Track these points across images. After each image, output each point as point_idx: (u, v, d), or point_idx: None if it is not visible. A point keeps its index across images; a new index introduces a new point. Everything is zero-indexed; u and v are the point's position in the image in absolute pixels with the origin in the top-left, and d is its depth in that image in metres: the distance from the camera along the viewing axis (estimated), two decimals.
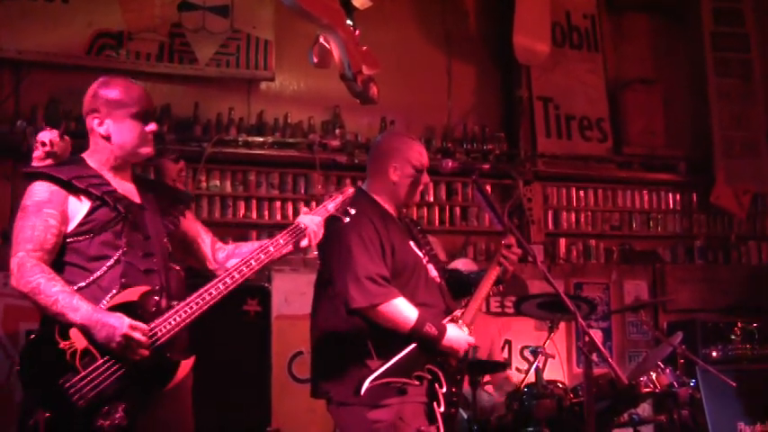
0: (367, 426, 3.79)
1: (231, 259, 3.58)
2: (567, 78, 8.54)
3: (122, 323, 3.09)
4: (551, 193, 8.41)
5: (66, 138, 3.46)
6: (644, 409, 5.89)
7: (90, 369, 3.08)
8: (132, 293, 3.23)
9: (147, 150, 3.52)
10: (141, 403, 3.16)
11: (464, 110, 8.33)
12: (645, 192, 8.76)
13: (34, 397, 3.09)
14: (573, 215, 8.49)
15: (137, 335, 3.10)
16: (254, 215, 7.35)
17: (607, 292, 8.17)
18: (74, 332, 3.09)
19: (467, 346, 3.98)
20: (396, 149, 4.19)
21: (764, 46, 9.15)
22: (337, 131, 7.57)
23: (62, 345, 3.09)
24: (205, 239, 3.70)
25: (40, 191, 3.29)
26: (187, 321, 3.25)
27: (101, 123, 3.44)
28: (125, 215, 3.33)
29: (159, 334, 3.19)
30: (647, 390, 5.46)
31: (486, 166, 7.80)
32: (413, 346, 3.82)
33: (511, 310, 7.12)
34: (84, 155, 3.50)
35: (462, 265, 5.80)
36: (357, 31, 3.75)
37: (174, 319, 3.23)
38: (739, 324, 7.36)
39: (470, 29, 8.58)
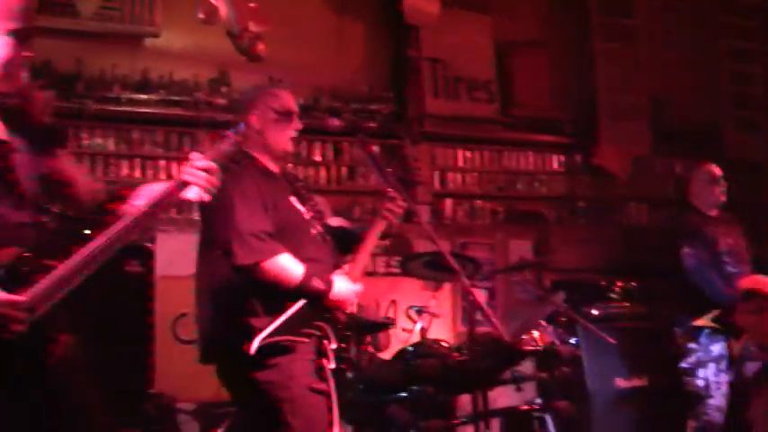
0: (257, 387, 3.76)
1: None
2: (456, 39, 8.54)
3: None
4: (438, 154, 8.44)
5: None
6: (526, 366, 5.98)
7: None
8: None
9: None
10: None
11: (353, 70, 8.28)
12: (530, 153, 8.84)
13: None
14: (460, 176, 8.54)
15: (8, 309, 2.51)
16: (138, 174, 7.20)
17: (492, 253, 8.28)
18: None
19: (356, 298, 3.99)
20: (253, 98, 4.18)
21: (649, 11, 9.31)
22: (224, 90, 7.47)
23: None
24: (79, 181, 3.05)
25: None
26: (69, 287, 2.67)
27: None
28: None
29: (36, 305, 2.58)
30: (530, 348, 5.56)
31: (372, 125, 7.87)
32: (301, 302, 3.79)
33: (397, 270, 7.15)
34: None
35: (336, 223, 5.79)
36: None
37: (53, 286, 2.62)
38: (619, 283, 7.55)
39: None
